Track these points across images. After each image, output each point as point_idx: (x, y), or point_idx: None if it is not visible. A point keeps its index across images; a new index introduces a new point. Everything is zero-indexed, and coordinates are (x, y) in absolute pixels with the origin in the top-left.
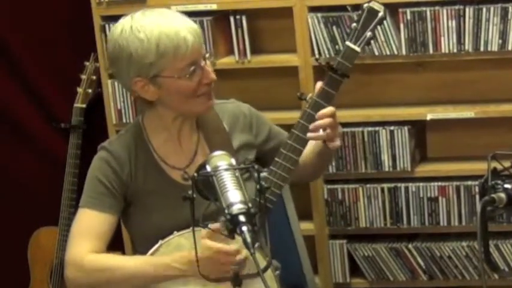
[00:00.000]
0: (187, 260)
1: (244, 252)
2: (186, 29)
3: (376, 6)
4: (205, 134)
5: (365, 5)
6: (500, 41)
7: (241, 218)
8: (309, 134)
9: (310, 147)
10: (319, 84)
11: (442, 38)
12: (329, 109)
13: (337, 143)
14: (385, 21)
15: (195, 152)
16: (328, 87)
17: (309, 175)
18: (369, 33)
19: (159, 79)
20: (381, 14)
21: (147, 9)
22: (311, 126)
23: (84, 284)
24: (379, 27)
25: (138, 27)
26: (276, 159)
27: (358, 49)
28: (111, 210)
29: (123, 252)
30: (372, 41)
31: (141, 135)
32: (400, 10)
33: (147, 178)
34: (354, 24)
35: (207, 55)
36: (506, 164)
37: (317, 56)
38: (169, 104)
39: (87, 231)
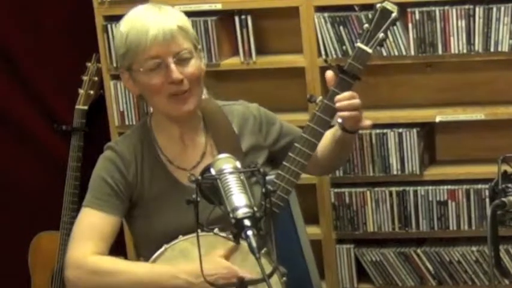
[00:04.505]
0: (197, 274)
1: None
2: (155, 24)
3: (389, 6)
4: (214, 135)
5: (378, 5)
6: (511, 41)
7: (247, 222)
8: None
9: (330, 137)
10: (329, 73)
11: (452, 39)
12: (347, 93)
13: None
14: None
15: (203, 153)
16: (339, 90)
17: (329, 167)
18: (381, 35)
19: (132, 73)
20: (394, 15)
21: (150, 3)
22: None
23: (85, 286)
24: (391, 28)
25: (125, 20)
26: (284, 163)
27: (369, 50)
28: (115, 211)
29: (126, 257)
30: (384, 42)
31: (147, 136)
32: (409, 10)
33: (153, 179)
34: (366, 25)
35: (186, 54)
36: None
37: (324, 57)
38: (149, 103)
39: (90, 232)
